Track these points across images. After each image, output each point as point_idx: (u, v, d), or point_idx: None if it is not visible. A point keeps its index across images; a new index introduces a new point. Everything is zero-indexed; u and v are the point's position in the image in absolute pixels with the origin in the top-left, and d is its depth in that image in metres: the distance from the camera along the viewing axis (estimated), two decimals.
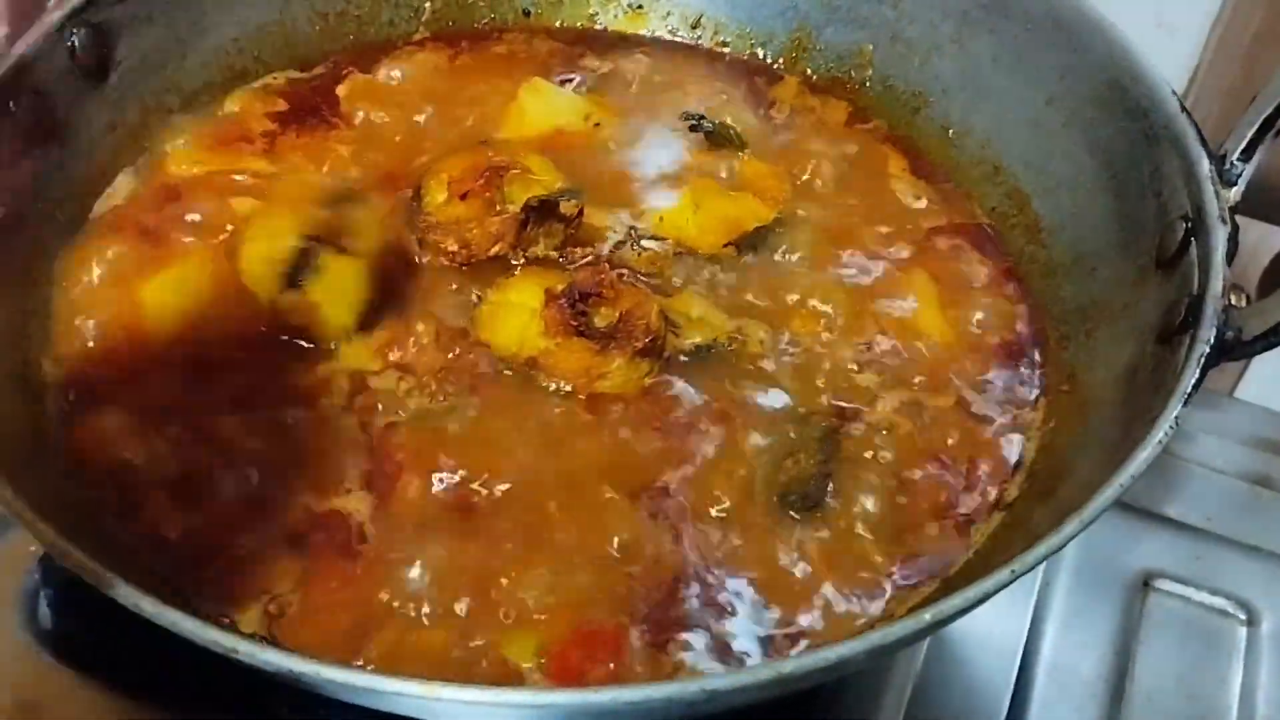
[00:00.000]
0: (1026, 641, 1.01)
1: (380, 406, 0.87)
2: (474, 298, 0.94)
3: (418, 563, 0.79)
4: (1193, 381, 0.74)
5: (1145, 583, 1.08)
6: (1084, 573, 1.08)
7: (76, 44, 0.96)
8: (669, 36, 1.23)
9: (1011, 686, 0.98)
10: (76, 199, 0.98)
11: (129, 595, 0.64)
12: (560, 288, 0.90)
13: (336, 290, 0.91)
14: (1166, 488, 1.16)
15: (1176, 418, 0.72)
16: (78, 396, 0.87)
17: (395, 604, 0.78)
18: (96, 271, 0.94)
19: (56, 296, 0.93)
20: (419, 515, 0.82)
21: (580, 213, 0.97)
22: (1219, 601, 1.07)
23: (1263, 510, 1.14)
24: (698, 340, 0.92)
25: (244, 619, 0.77)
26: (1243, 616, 1.06)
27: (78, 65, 0.97)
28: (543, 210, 0.96)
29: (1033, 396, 0.92)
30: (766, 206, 1.02)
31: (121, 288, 0.93)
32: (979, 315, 0.98)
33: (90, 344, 0.90)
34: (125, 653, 0.88)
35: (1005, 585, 0.66)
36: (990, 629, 1.01)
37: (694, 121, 1.08)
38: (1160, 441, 0.71)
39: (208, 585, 0.78)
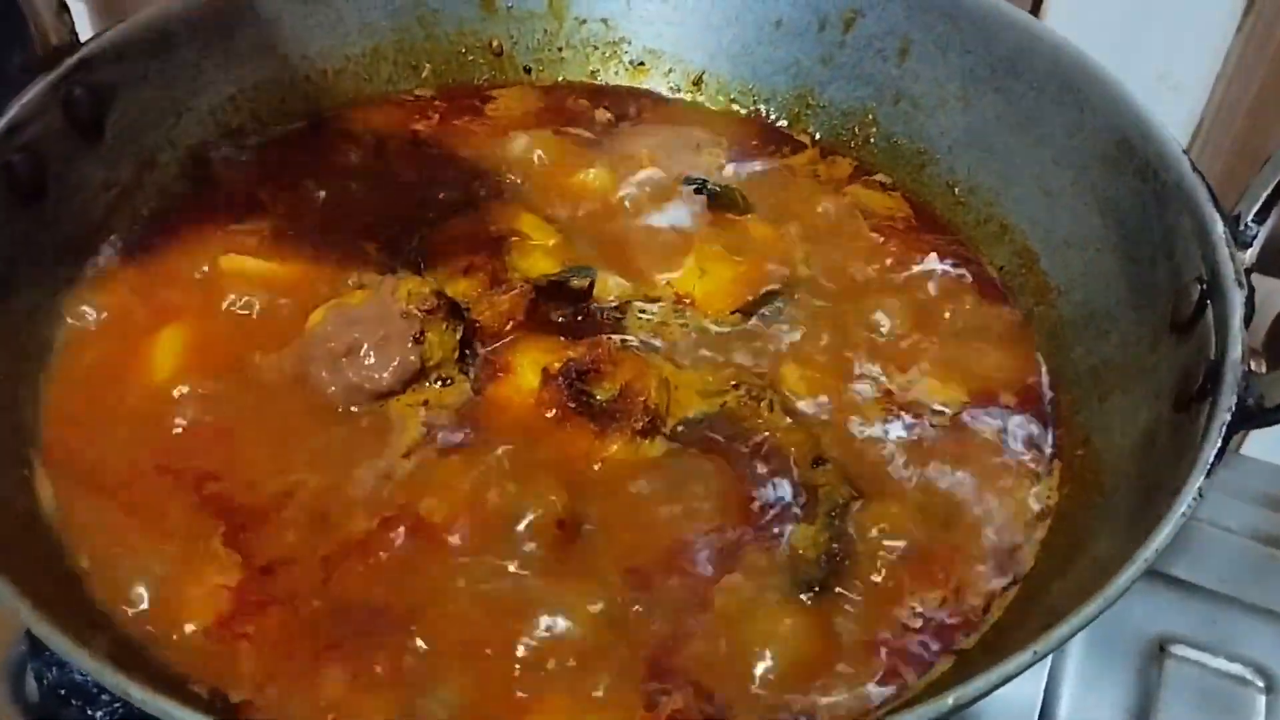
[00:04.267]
0: (1042, 707, 0.99)
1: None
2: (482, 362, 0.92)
3: None
4: (1215, 451, 0.72)
5: (1161, 648, 1.06)
6: (1098, 636, 1.05)
7: (72, 103, 0.95)
8: (671, 94, 1.21)
9: None
10: (71, 258, 0.96)
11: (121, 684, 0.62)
12: (557, 365, 0.88)
13: None
14: (1178, 548, 1.13)
15: (1200, 489, 0.70)
16: (71, 465, 0.85)
17: None
18: (92, 331, 0.93)
19: (51, 357, 0.91)
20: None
21: (591, 286, 0.96)
22: (1236, 668, 1.05)
23: (1278, 573, 1.12)
24: (703, 409, 0.90)
25: None
26: (1261, 684, 1.04)
27: (73, 124, 0.96)
28: (552, 289, 0.94)
29: (1047, 461, 0.90)
30: (773, 269, 1.00)
31: (118, 347, 0.92)
32: (989, 376, 0.96)
33: (85, 407, 0.88)
34: None
35: (1028, 666, 0.65)
36: (1005, 693, 0.97)
37: (697, 185, 1.07)
38: (1184, 514, 0.69)
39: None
